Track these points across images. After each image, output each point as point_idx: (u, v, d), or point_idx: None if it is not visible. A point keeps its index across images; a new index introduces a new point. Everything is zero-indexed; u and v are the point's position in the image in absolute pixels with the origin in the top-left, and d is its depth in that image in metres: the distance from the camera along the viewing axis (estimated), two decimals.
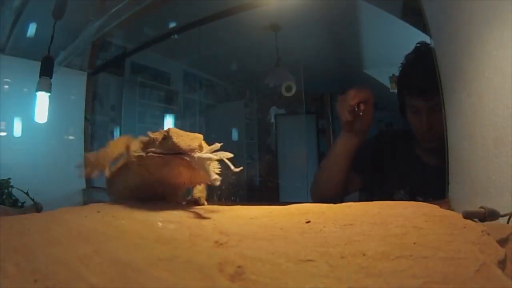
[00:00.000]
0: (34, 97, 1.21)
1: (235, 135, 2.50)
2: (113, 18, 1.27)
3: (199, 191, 0.61)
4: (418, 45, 0.87)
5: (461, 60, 0.66)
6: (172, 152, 0.49)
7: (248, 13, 1.48)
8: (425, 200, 0.74)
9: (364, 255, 0.31)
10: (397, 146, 0.91)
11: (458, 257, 0.30)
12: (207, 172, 0.48)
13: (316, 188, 0.91)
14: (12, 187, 1.10)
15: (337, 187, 0.84)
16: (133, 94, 2.34)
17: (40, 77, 1.19)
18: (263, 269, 0.29)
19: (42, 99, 1.21)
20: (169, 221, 0.45)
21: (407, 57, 0.89)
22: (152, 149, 0.52)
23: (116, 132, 2.10)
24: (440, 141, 0.76)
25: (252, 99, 2.71)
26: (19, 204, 1.07)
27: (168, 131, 0.52)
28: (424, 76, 0.80)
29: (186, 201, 0.59)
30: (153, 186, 0.57)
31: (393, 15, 1.20)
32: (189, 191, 0.61)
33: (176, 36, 1.78)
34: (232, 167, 0.48)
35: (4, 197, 1.09)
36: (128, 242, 0.36)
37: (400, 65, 0.91)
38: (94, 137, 1.60)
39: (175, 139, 0.49)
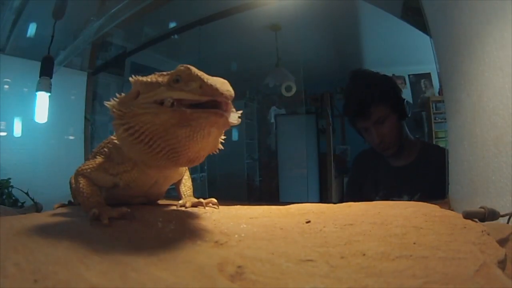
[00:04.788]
0: (34, 97, 1.21)
1: (235, 135, 2.49)
2: (113, 18, 1.27)
3: (188, 187, 0.57)
4: (351, 74, 1.02)
5: (461, 60, 0.66)
6: (199, 100, 0.33)
7: (248, 13, 1.48)
8: (400, 197, 0.91)
9: (364, 255, 0.31)
10: (373, 159, 1.05)
11: (458, 257, 0.30)
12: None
13: None
14: (12, 187, 1.10)
15: None
16: None
17: (40, 77, 1.19)
18: (263, 269, 0.29)
19: (42, 99, 1.21)
20: (169, 221, 0.45)
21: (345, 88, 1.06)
22: (166, 95, 0.34)
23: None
24: (395, 146, 0.94)
25: (252, 99, 2.70)
26: (19, 204, 1.07)
27: (184, 68, 0.36)
28: (359, 101, 0.94)
29: (192, 205, 0.54)
30: (146, 182, 0.47)
31: (393, 15, 1.20)
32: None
33: (176, 36, 1.79)
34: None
35: (4, 197, 1.08)
36: (128, 242, 0.35)
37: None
38: (94, 137, 1.60)
39: (206, 79, 0.34)
